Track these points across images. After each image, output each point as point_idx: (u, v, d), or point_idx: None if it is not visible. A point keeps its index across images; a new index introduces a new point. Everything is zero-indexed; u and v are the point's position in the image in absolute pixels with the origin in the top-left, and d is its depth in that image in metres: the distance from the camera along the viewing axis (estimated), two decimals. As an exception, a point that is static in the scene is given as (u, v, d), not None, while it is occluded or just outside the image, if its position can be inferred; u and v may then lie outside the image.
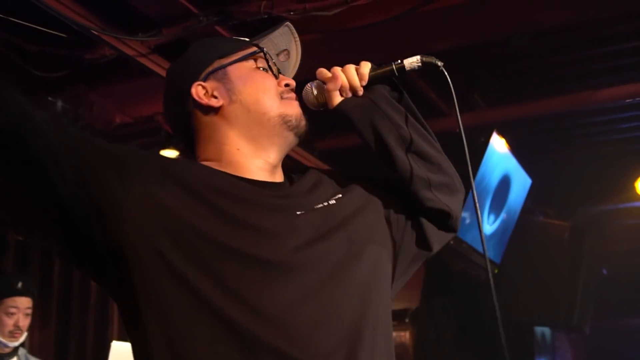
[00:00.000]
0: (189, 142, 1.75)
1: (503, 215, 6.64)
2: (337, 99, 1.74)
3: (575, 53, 5.35)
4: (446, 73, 1.74)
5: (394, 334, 8.50)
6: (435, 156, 1.77)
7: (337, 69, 1.74)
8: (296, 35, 1.85)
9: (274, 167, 1.70)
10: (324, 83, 1.75)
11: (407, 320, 8.75)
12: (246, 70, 1.71)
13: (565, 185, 7.29)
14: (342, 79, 1.73)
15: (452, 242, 5.84)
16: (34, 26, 3.66)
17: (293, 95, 1.74)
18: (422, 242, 1.77)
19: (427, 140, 1.78)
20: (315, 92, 1.76)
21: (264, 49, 1.76)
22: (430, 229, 1.76)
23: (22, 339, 4.36)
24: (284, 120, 1.67)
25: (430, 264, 7.68)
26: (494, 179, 6.15)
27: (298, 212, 1.59)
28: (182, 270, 1.44)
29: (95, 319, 7.23)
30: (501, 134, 5.90)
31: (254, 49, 1.75)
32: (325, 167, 5.99)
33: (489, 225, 6.46)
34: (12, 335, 4.28)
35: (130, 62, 4.21)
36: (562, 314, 7.37)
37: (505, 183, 6.37)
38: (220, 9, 4.01)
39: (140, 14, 4.07)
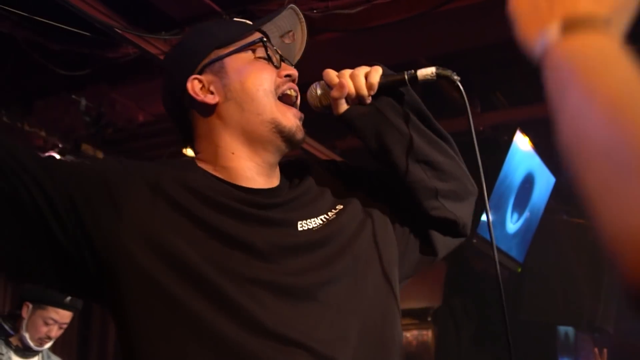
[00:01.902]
0: (188, 137, 1.67)
1: (526, 213, 6.60)
2: (343, 106, 1.65)
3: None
4: (462, 88, 1.61)
5: (416, 332, 8.46)
6: (445, 163, 1.68)
7: (345, 76, 1.63)
8: (301, 16, 1.72)
9: (270, 170, 1.63)
10: (330, 87, 1.66)
11: (429, 319, 8.73)
12: (243, 62, 1.60)
13: (588, 184, 7.23)
14: (350, 87, 1.62)
15: (474, 241, 5.82)
16: (57, 25, 3.67)
17: (291, 89, 1.64)
18: (427, 248, 1.72)
19: (438, 147, 1.69)
20: (319, 93, 1.68)
21: (264, 36, 1.65)
22: (435, 236, 1.71)
23: (48, 346, 4.33)
24: (277, 129, 1.58)
25: (452, 263, 7.65)
26: (517, 177, 6.11)
27: (299, 227, 1.53)
28: (175, 291, 1.39)
29: (117, 316, 7.27)
30: (524, 132, 5.87)
31: (254, 37, 1.64)
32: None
33: (512, 224, 6.42)
34: (41, 342, 4.24)
35: (152, 61, 4.22)
36: (585, 314, 7.32)
37: (528, 181, 6.32)
38: (242, 7, 4.01)
39: (163, 13, 4.08)
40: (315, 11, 3.84)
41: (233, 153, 1.58)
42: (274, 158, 1.62)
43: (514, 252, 6.68)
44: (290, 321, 1.41)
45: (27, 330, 4.18)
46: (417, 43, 4.40)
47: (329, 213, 1.59)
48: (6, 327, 4.22)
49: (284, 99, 1.61)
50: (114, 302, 1.44)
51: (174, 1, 4.00)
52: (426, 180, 1.64)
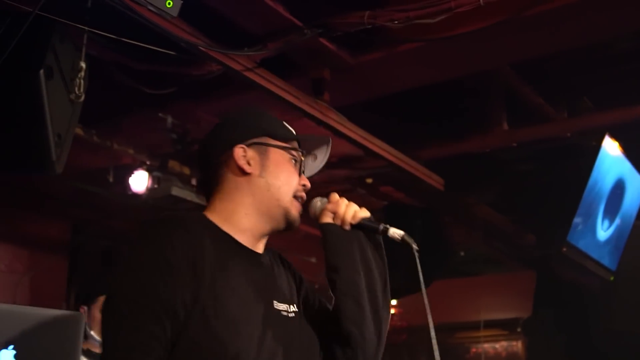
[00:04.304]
0: (207, 190, 2.03)
1: (617, 221, 6.44)
2: (327, 219, 2.06)
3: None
4: (417, 258, 1.96)
5: (505, 343, 8.36)
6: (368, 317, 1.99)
7: (343, 200, 2.07)
8: (329, 150, 2.16)
9: (262, 238, 2.00)
10: (328, 202, 2.08)
11: (518, 330, 8.60)
12: (283, 159, 2.02)
13: (682, 188, 7.03)
14: (341, 209, 2.05)
15: (564, 249, 5.71)
16: (143, 45, 3.75)
17: (303, 197, 2.03)
18: None
19: (374, 306, 2.01)
20: (319, 204, 2.09)
21: (303, 152, 2.07)
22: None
23: None
24: (286, 216, 1.99)
25: (541, 273, 7.53)
26: (607, 183, 5.98)
27: (275, 304, 1.92)
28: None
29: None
30: (613, 137, 5.74)
31: (295, 145, 2.06)
32: (433, 175, 5.93)
33: (603, 232, 6.28)
34: None
35: (234, 77, 4.27)
36: (682, 323, 7.10)
37: (619, 187, 6.18)
38: (323, 21, 4.03)
39: (245, 30, 4.13)
40: (396, 22, 3.83)
41: (246, 214, 1.97)
42: (270, 230, 2.01)
43: (605, 261, 6.53)
44: None
45: (93, 329, 4.25)
46: (499, 50, 4.35)
47: (292, 307, 1.98)
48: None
49: (296, 198, 2.02)
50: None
51: (255, 18, 4.04)
52: (348, 311, 1.97)
